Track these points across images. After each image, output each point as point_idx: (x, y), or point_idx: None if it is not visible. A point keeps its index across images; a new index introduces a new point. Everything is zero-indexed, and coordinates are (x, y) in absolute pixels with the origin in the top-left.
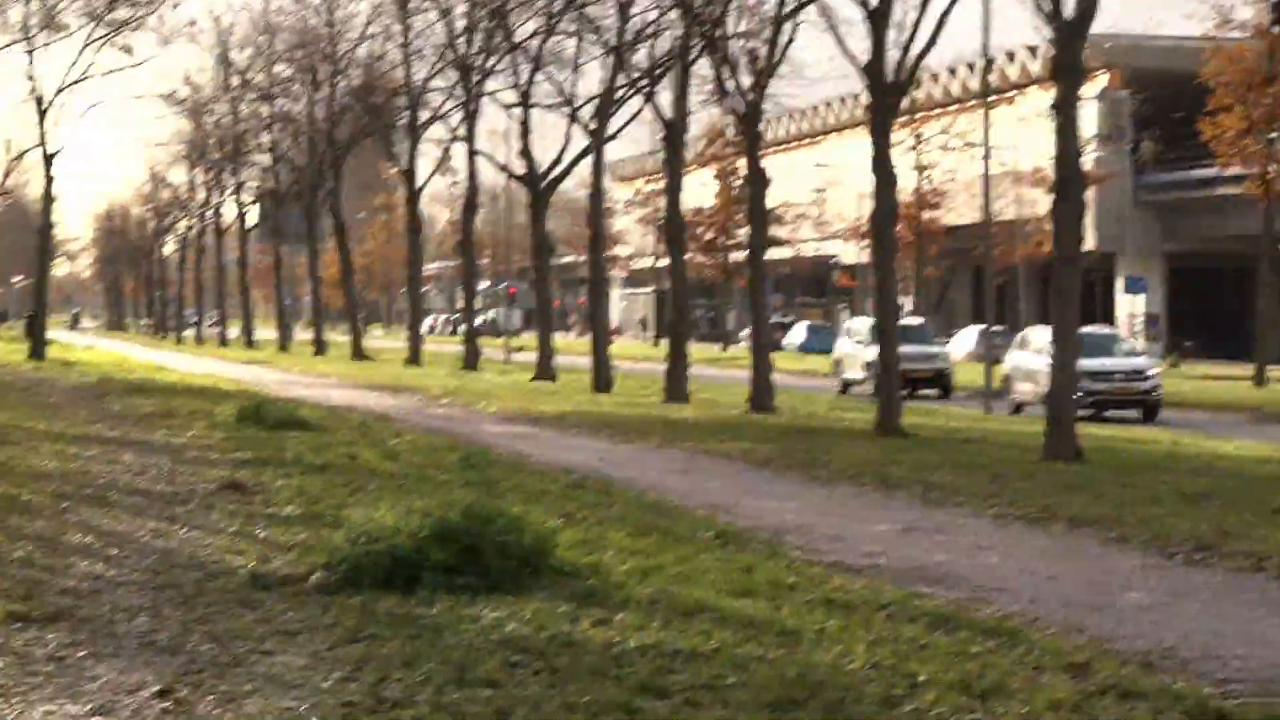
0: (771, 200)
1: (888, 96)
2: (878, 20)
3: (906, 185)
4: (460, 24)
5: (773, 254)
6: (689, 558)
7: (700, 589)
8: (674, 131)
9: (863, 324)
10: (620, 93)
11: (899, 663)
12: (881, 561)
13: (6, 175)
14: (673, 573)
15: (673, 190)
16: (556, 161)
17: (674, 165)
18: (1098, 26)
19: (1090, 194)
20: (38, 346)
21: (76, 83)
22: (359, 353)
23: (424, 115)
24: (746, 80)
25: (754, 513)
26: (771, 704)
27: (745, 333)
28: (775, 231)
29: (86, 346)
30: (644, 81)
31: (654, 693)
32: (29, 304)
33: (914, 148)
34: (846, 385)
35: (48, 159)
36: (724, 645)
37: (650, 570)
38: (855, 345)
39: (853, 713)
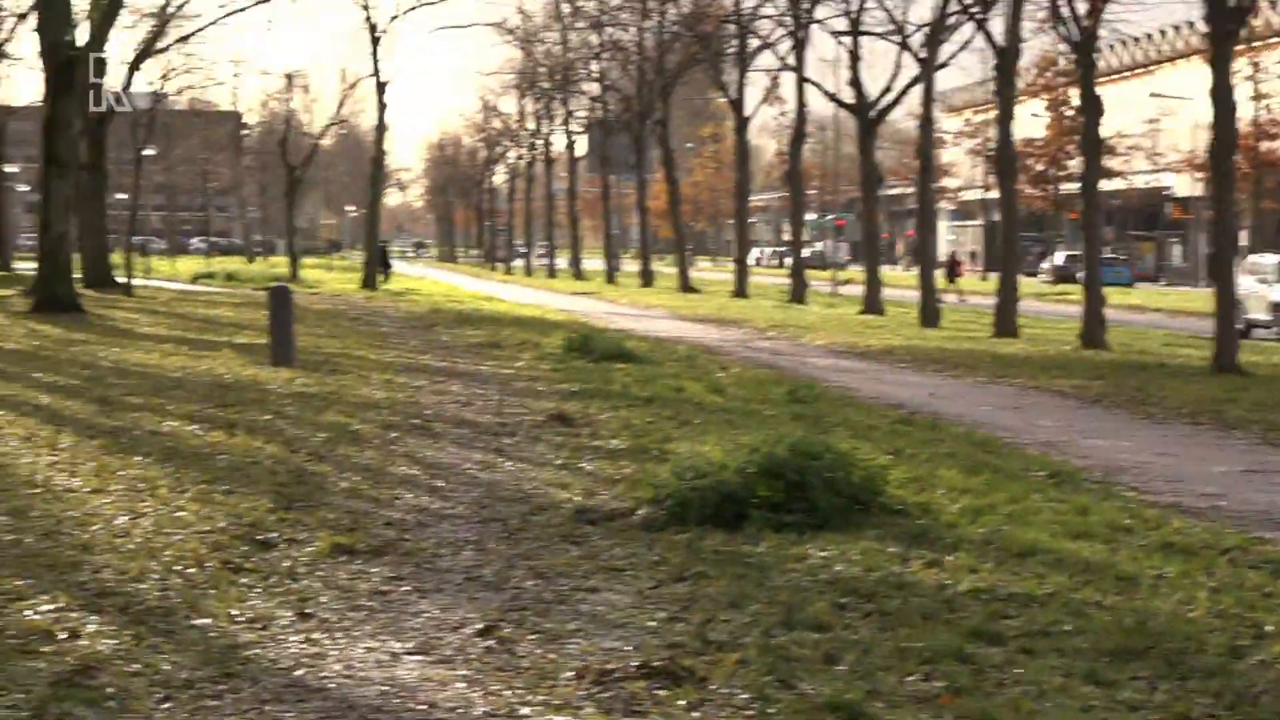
0: (1104, 131)
1: (1228, 23)
2: None
3: (1244, 115)
4: None
5: (1104, 186)
6: (1021, 497)
7: (1034, 530)
8: (1006, 59)
9: (1268, 261)
10: (952, 19)
11: (1243, 611)
12: (1222, 504)
13: (341, 104)
14: (1005, 513)
15: (1004, 120)
16: (886, 90)
17: (1005, 94)
18: None
19: None
20: (373, 276)
21: (410, 10)
22: (685, 284)
23: (753, 43)
24: (1082, 6)
25: (1086, 451)
26: (1110, 653)
27: (1044, 265)
28: (1107, 163)
29: (418, 277)
30: (976, 7)
31: (987, 639)
32: (362, 234)
33: (1251, 77)
34: (1249, 327)
35: (380, 87)
36: (1059, 590)
37: (982, 510)
38: (1258, 283)
39: (1195, 664)
